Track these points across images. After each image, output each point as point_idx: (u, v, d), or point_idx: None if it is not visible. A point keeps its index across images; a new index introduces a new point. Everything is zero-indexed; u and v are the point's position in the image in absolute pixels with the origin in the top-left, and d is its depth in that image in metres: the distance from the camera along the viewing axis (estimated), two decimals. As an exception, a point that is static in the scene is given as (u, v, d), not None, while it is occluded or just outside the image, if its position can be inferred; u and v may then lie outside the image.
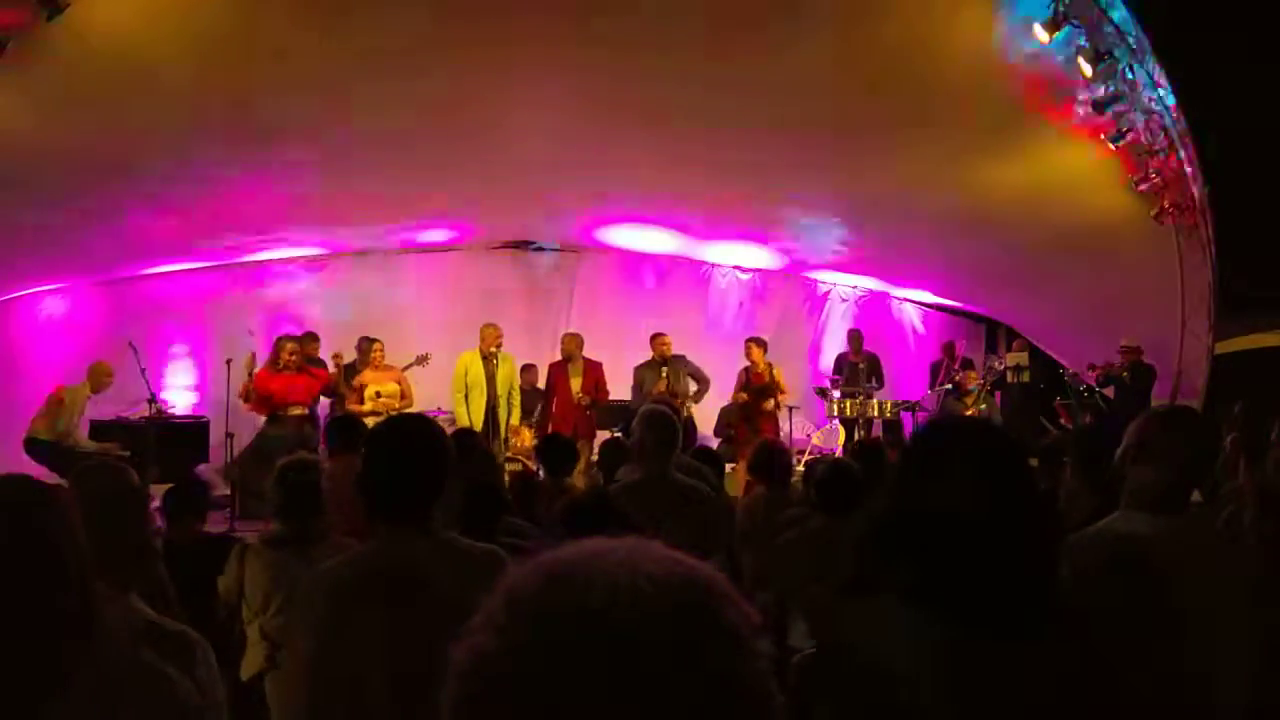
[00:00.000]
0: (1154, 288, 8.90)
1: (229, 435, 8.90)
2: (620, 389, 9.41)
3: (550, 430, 8.71)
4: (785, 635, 3.63)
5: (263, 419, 8.42)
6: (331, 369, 8.61)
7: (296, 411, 8.13)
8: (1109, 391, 9.48)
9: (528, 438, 9.30)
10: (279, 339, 8.46)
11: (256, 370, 8.24)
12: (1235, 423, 5.89)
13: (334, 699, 2.11)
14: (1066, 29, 6.52)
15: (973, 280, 11.29)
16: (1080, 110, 7.37)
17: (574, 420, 9.02)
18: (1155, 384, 9.17)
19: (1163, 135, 7.60)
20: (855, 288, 12.53)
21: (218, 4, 5.86)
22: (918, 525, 1.50)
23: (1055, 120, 7.56)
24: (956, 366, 10.26)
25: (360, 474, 2.25)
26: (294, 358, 8.23)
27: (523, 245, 11.80)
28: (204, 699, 1.61)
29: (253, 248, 10.47)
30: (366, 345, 9.44)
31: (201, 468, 9.11)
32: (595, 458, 8.05)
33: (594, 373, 9.25)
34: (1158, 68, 7.14)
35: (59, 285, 9.99)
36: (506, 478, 6.65)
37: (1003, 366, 10.50)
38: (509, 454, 8.92)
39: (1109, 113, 7.21)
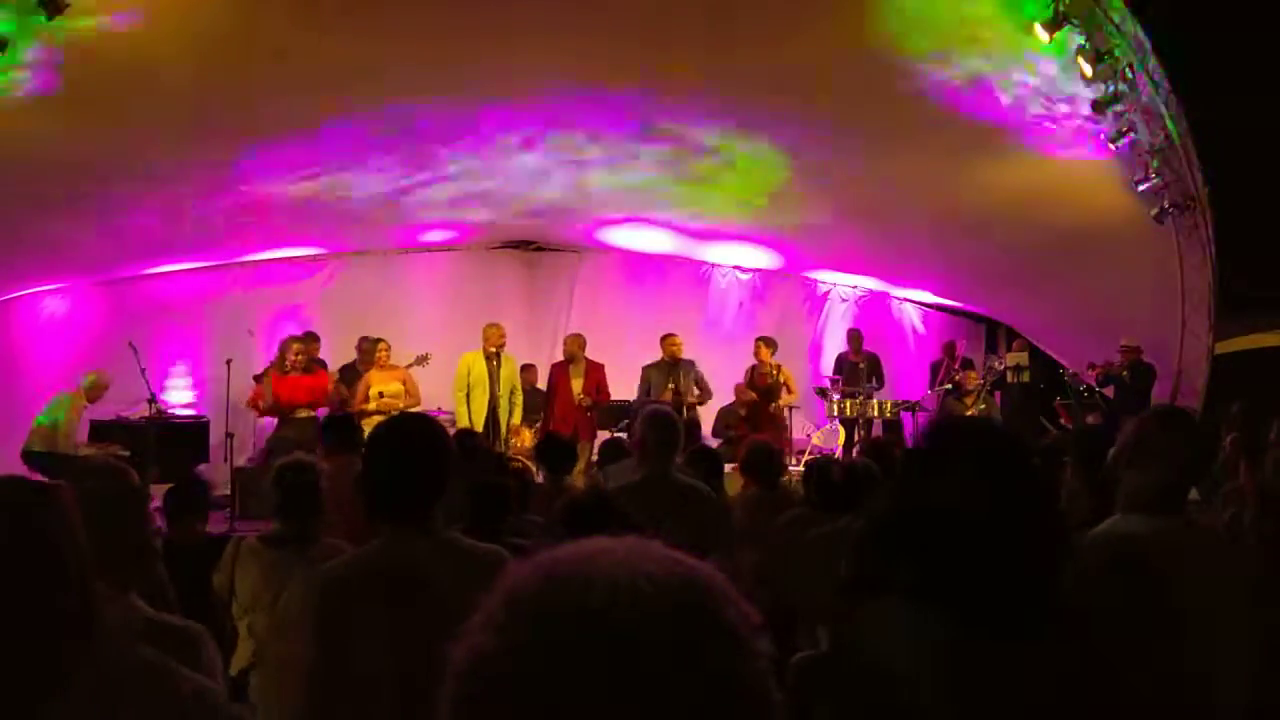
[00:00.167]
0: (1154, 288, 8.90)
1: (229, 435, 8.90)
2: (620, 390, 9.41)
3: (551, 430, 8.70)
4: (789, 635, 3.63)
5: (261, 419, 8.44)
6: (331, 389, 8.59)
7: (304, 414, 8.13)
8: (1109, 391, 9.48)
9: (528, 438, 9.30)
10: (284, 341, 8.46)
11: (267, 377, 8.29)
12: (1235, 423, 5.90)
13: (335, 699, 2.11)
14: (1066, 29, 6.53)
15: (973, 280, 11.29)
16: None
17: (574, 421, 9.02)
18: (1155, 384, 9.18)
19: (1163, 135, 7.59)
20: (855, 288, 12.53)
21: (217, 4, 5.86)
22: (919, 524, 1.50)
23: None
24: (957, 366, 10.26)
25: (362, 474, 2.25)
26: (299, 358, 8.24)
27: (523, 245, 11.81)
28: (215, 692, 1.61)
29: (253, 248, 10.47)
30: (368, 345, 9.44)
31: (201, 468, 9.11)
32: (595, 458, 8.06)
33: (595, 374, 9.24)
34: (1158, 67, 7.14)
35: (59, 285, 9.99)
36: (505, 478, 6.64)
37: (1003, 366, 10.50)
38: (509, 454, 8.92)
39: (1109, 113, 7.21)
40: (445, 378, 9.19)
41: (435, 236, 11.23)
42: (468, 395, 8.88)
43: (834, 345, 11.76)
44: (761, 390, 9.31)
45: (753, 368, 9.53)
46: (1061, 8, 6.40)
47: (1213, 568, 2.10)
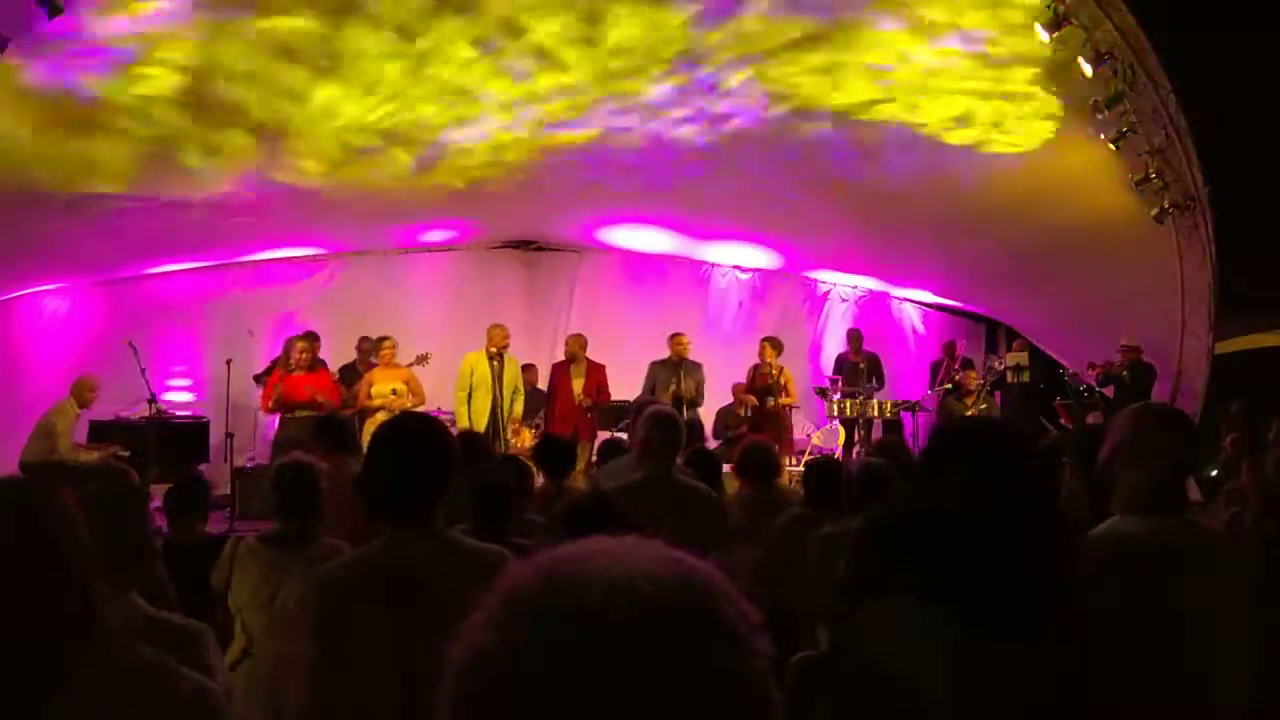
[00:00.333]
0: (1154, 288, 8.89)
1: (229, 435, 8.91)
2: (620, 390, 9.41)
3: (550, 432, 8.70)
4: (789, 636, 3.63)
5: (266, 418, 8.45)
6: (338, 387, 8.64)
7: (305, 413, 8.13)
8: (1109, 391, 9.48)
9: (528, 438, 9.29)
10: (289, 340, 8.46)
11: (271, 377, 8.30)
12: (1235, 423, 5.91)
13: (336, 698, 2.11)
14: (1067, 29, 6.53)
15: (973, 280, 11.29)
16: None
17: (575, 421, 9.02)
18: (1155, 384, 9.18)
19: (1163, 134, 7.59)
20: (855, 288, 12.54)
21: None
22: (925, 526, 1.50)
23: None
24: (956, 366, 10.26)
25: (364, 473, 2.25)
26: (304, 356, 8.25)
27: (523, 245, 11.81)
28: (216, 692, 1.61)
29: (253, 248, 10.47)
30: (368, 345, 9.45)
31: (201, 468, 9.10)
32: (595, 458, 8.06)
33: (596, 375, 9.24)
34: (1158, 67, 7.14)
35: (59, 285, 9.99)
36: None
37: (1003, 366, 10.50)
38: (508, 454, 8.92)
39: (1110, 113, 7.21)
40: (444, 378, 9.19)
41: (435, 236, 11.23)
42: (469, 395, 8.88)
43: (834, 345, 11.76)
44: (760, 391, 9.31)
45: (755, 367, 9.53)
46: (1062, 8, 6.40)
47: (1212, 568, 2.09)
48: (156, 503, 3.12)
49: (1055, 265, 9.55)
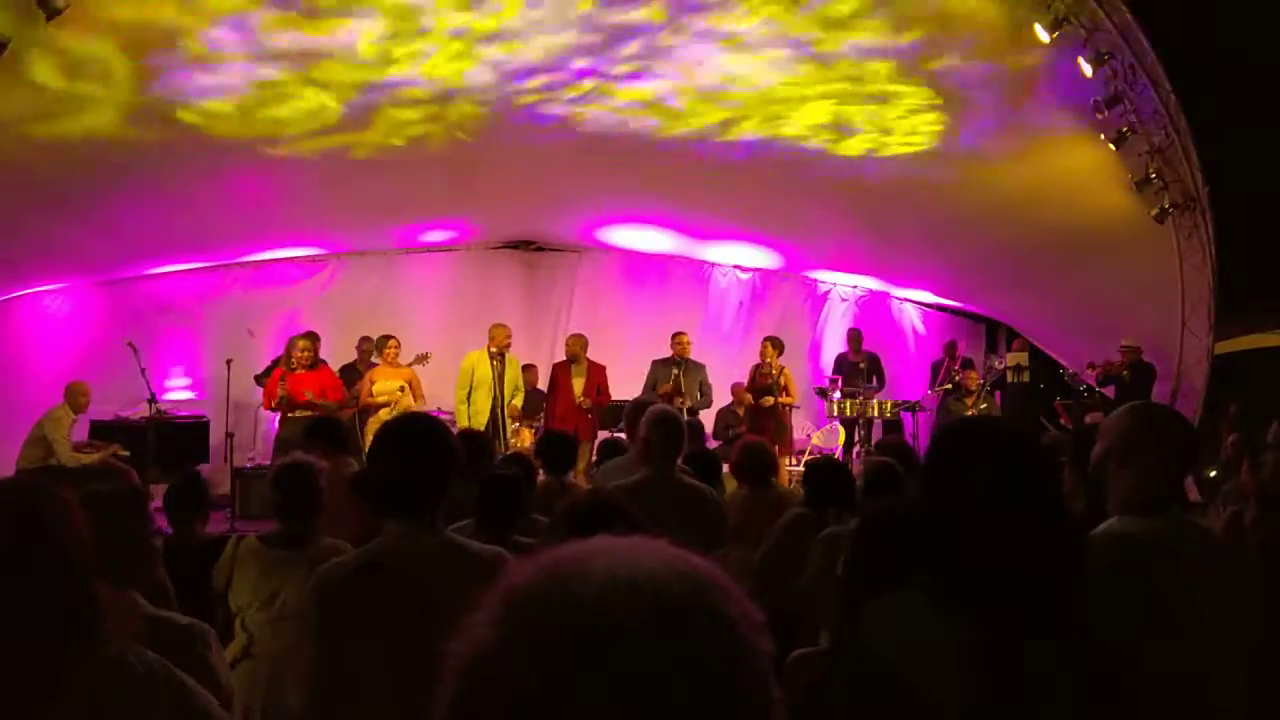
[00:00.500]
0: (1154, 288, 8.90)
1: (229, 435, 8.92)
2: (620, 390, 9.41)
3: (551, 429, 8.70)
4: (789, 636, 3.63)
5: (264, 419, 8.45)
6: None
7: (306, 413, 8.12)
8: (1109, 391, 9.48)
9: (528, 437, 9.30)
10: (291, 339, 8.47)
11: (274, 375, 8.30)
12: (1235, 423, 5.91)
13: (334, 697, 2.12)
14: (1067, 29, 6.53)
15: (973, 280, 11.29)
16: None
17: (575, 422, 9.02)
18: (1155, 384, 9.18)
19: (1163, 135, 7.60)
20: (855, 288, 12.54)
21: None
22: (937, 525, 1.50)
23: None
24: (957, 366, 10.26)
25: (367, 472, 2.25)
26: (305, 355, 8.25)
27: (523, 245, 11.81)
28: (216, 690, 1.61)
29: (253, 248, 10.47)
30: (368, 345, 9.45)
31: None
32: (595, 458, 8.06)
33: (597, 376, 9.24)
34: (1158, 67, 7.14)
35: (59, 285, 9.99)
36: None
37: (1003, 366, 10.51)
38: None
39: (1110, 113, 7.22)
40: (444, 378, 9.19)
41: (435, 236, 11.23)
42: (470, 395, 8.88)
43: (834, 345, 11.76)
44: (760, 391, 9.32)
45: (755, 367, 9.54)
46: (1062, 8, 6.41)
47: (1212, 568, 2.09)
48: (156, 503, 3.12)
49: (1055, 265, 9.56)
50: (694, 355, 9.30)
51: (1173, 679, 1.90)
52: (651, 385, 8.90)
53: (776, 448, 7.08)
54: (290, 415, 8.13)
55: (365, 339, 9.57)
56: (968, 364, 10.38)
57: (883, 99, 7.52)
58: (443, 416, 7.90)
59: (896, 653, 1.46)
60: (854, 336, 10.77)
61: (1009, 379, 10.60)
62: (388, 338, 8.90)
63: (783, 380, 9.36)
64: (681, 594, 0.67)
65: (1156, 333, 9.12)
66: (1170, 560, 2.04)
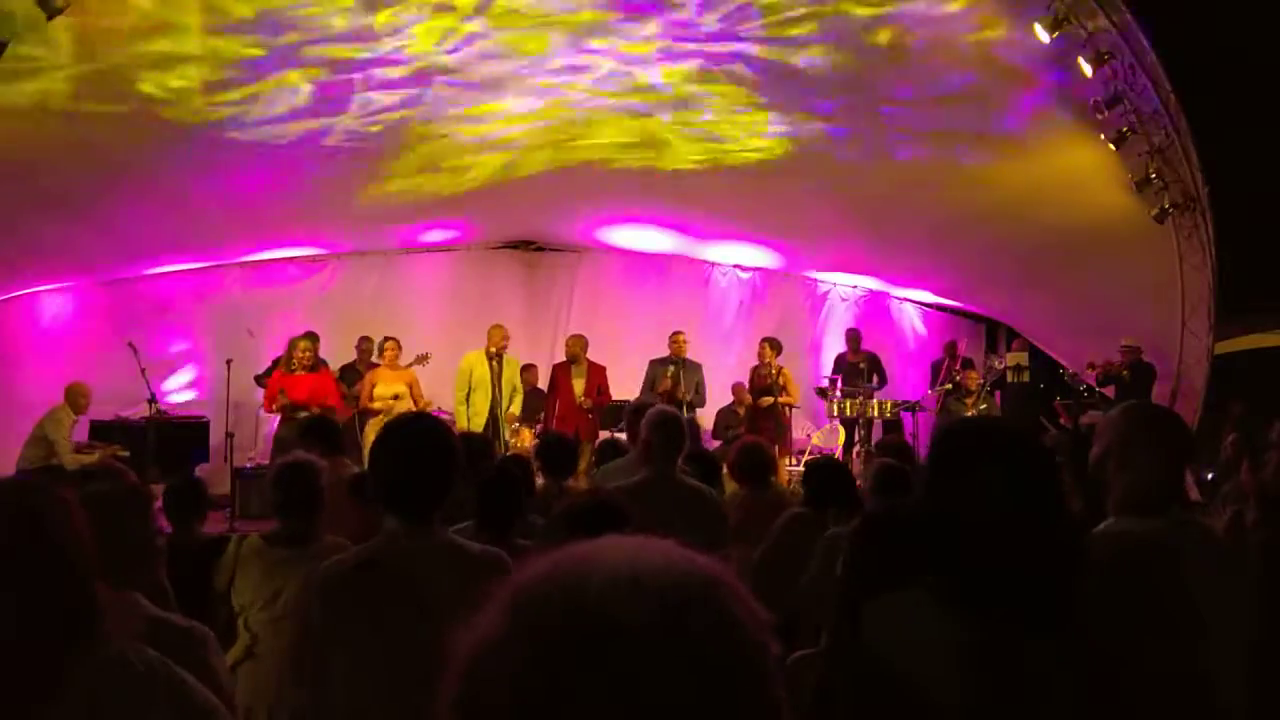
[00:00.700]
0: (1154, 288, 8.90)
1: (229, 435, 8.91)
2: (620, 390, 9.41)
3: (550, 429, 8.69)
4: (789, 636, 3.63)
5: (264, 419, 8.45)
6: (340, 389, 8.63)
7: (306, 414, 8.12)
8: (1109, 391, 9.48)
9: (528, 437, 9.29)
10: (293, 340, 8.46)
11: (274, 376, 8.30)
12: (1235, 423, 5.91)
13: (333, 696, 2.12)
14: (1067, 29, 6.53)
15: (973, 280, 11.29)
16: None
17: (575, 422, 9.02)
18: (1155, 384, 9.18)
19: (1163, 135, 7.60)
20: (855, 288, 12.53)
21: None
22: (938, 524, 1.50)
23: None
24: (958, 366, 10.26)
25: (368, 472, 2.25)
26: (306, 355, 8.25)
27: (523, 245, 11.81)
28: (216, 691, 1.61)
29: (253, 248, 10.47)
30: (368, 345, 9.44)
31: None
32: (594, 458, 8.05)
33: (597, 377, 9.24)
34: (1158, 67, 7.15)
35: (59, 285, 9.99)
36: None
37: (1003, 366, 10.50)
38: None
39: (1110, 113, 7.22)
40: (444, 378, 9.19)
41: (435, 236, 11.23)
42: (468, 395, 8.87)
43: (834, 345, 11.75)
44: (760, 391, 9.32)
45: (755, 368, 9.54)
46: (1062, 8, 6.41)
47: (1212, 568, 2.09)
48: (156, 503, 3.12)
49: (1055, 265, 9.56)
50: (694, 355, 9.31)
51: (1173, 679, 1.90)
52: (650, 385, 8.90)
53: (776, 448, 7.08)
54: (291, 416, 8.12)
55: (365, 339, 9.57)
56: (968, 364, 10.38)
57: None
58: (443, 417, 7.90)
59: (896, 653, 1.46)
60: (852, 336, 10.77)
61: (1009, 379, 10.59)
62: (387, 339, 8.89)
63: (781, 380, 9.36)
64: (685, 593, 0.67)
65: (1156, 333, 9.12)
66: (1170, 560, 2.04)
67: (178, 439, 9.05)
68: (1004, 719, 1.44)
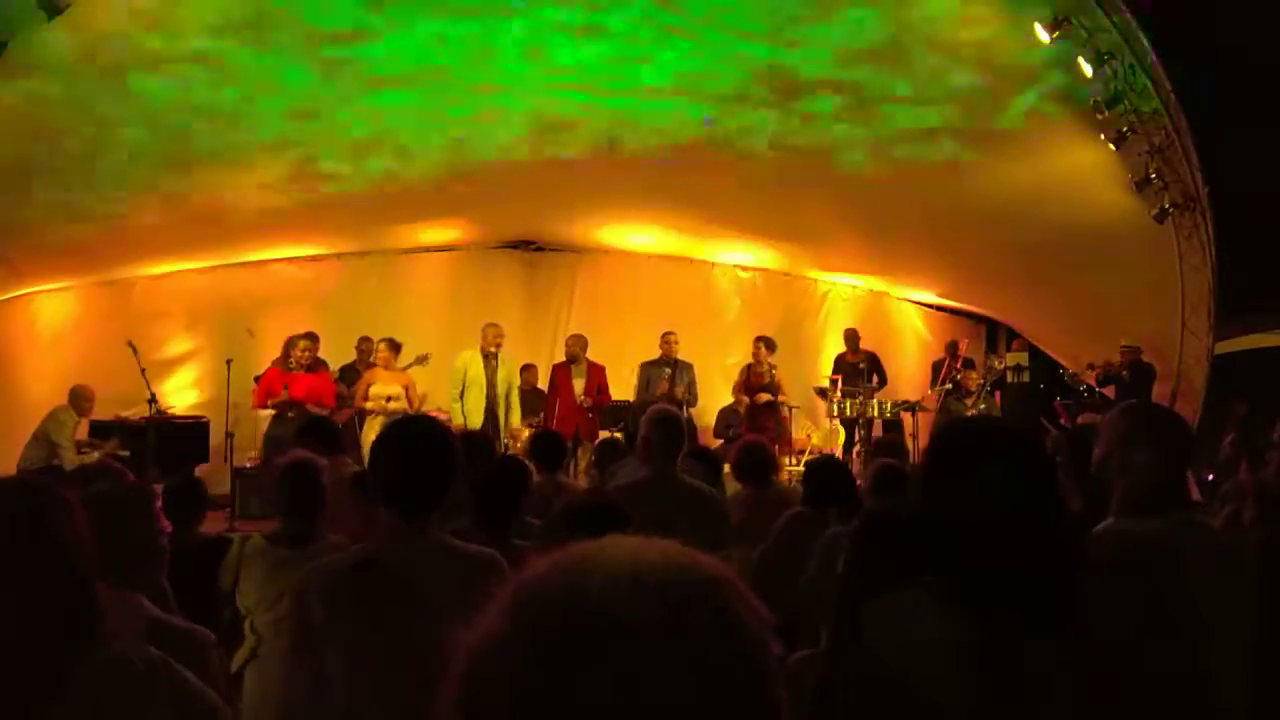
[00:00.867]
0: (1154, 288, 8.90)
1: (229, 435, 8.90)
2: (620, 390, 9.41)
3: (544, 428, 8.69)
4: (790, 636, 3.63)
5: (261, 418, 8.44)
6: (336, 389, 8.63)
7: (292, 414, 8.11)
8: (1109, 391, 9.48)
9: (527, 437, 9.29)
10: (291, 339, 8.45)
11: (267, 374, 8.30)
12: (1235, 423, 5.91)
13: (329, 696, 2.12)
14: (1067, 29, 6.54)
15: (973, 280, 11.29)
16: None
17: (576, 421, 9.02)
18: (1155, 384, 9.18)
19: (1163, 135, 7.60)
20: (855, 288, 12.53)
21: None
22: (937, 524, 1.50)
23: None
24: (959, 366, 10.26)
25: (368, 472, 2.25)
26: (305, 355, 8.23)
27: (523, 245, 11.80)
28: (215, 695, 1.61)
29: (253, 248, 10.46)
30: (368, 345, 9.43)
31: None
32: (594, 458, 8.04)
33: (597, 376, 9.24)
34: (1158, 67, 7.15)
35: (59, 285, 9.99)
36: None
37: (1003, 366, 10.50)
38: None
39: (1110, 113, 7.22)
40: (444, 378, 9.18)
41: (435, 237, 11.23)
42: (463, 394, 8.87)
43: (834, 345, 11.75)
44: (753, 389, 9.33)
45: (748, 366, 9.54)
46: (1062, 8, 6.41)
47: (1212, 568, 2.09)
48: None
49: (1055, 265, 9.56)
50: (695, 356, 9.31)
51: (1173, 679, 1.90)
52: (644, 386, 8.90)
53: (775, 447, 7.07)
54: (286, 415, 8.12)
55: (365, 339, 9.56)
56: (968, 364, 10.38)
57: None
58: (440, 417, 7.89)
59: (896, 653, 1.46)
60: (850, 337, 10.77)
61: (1009, 379, 10.59)
62: (384, 340, 8.86)
63: (776, 378, 9.37)
64: (686, 592, 0.67)
65: (1156, 333, 9.12)
66: (1170, 560, 2.04)
67: (177, 439, 9.04)
68: (1004, 719, 1.44)
